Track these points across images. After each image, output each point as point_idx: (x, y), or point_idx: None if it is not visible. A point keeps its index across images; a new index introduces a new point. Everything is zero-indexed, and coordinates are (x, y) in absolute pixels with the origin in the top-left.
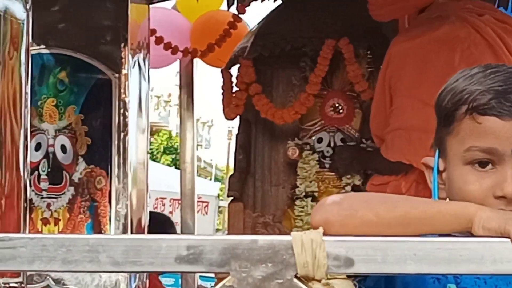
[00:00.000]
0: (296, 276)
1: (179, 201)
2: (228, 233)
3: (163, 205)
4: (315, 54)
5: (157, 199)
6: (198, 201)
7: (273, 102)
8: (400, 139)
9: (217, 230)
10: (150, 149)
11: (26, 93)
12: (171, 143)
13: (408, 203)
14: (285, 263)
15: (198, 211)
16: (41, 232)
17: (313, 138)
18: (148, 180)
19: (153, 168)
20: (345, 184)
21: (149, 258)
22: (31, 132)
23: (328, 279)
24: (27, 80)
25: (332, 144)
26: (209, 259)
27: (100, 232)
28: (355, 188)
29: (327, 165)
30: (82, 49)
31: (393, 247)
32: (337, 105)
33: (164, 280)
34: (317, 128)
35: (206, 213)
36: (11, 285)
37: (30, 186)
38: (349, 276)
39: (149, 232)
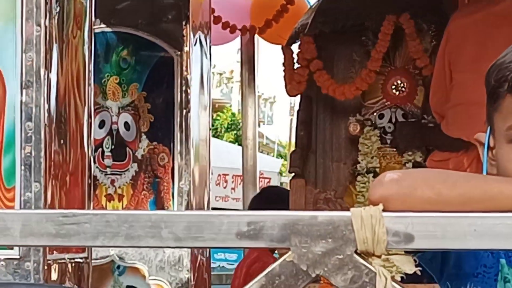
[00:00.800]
0: (356, 252)
1: (241, 177)
2: (290, 209)
3: (225, 181)
4: (376, 30)
5: (219, 175)
6: (260, 177)
7: (334, 78)
8: (460, 115)
9: None
10: (214, 126)
11: (89, 71)
12: (234, 120)
13: (468, 182)
14: (345, 238)
15: (260, 187)
16: (105, 208)
17: (375, 114)
18: (210, 156)
19: (216, 145)
20: (406, 160)
21: (210, 233)
22: (94, 109)
23: (388, 254)
24: (91, 58)
25: (393, 120)
26: (269, 234)
27: (163, 208)
28: (416, 165)
29: (388, 141)
30: (145, 28)
31: (453, 223)
32: (399, 82)
33: (228, 256)
34: (379, 106)
35: None
36: (76, 260)
37: (94, 163)
38: (408, 252)
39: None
